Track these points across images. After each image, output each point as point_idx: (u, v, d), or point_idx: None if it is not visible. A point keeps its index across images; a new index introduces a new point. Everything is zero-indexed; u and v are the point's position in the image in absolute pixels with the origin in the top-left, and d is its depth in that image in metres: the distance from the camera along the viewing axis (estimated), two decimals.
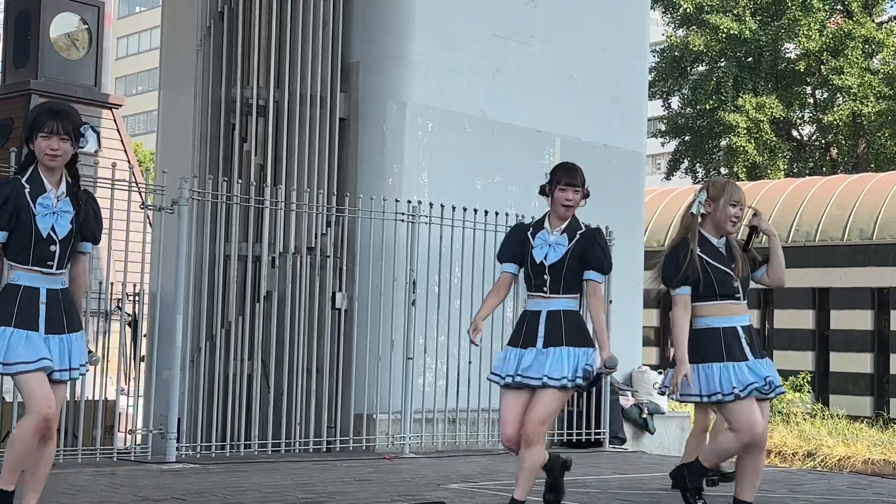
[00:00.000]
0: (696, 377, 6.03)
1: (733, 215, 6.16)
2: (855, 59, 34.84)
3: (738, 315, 6.12)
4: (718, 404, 6.10)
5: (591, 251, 6.08)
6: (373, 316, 10.49)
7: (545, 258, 6.05)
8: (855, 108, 34.67)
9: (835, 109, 35.62)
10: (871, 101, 34.63)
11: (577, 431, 11.61)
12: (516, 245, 6.22)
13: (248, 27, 10.95)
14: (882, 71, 35.60)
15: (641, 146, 13.50)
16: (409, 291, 10.56)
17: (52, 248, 5.07)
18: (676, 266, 6.12)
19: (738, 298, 6.14)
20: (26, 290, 5.07)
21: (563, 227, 6.11)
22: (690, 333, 6.08)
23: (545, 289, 6.06)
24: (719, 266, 6.10)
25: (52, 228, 5.07)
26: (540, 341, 5.98)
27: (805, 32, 35.19)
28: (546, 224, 6.15)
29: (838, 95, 36.02)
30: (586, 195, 6.20)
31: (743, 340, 6.07)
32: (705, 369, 6.04)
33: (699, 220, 6.20)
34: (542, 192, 6.18)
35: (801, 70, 35.87)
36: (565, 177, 6.12)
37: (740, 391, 5.95)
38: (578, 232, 6.12)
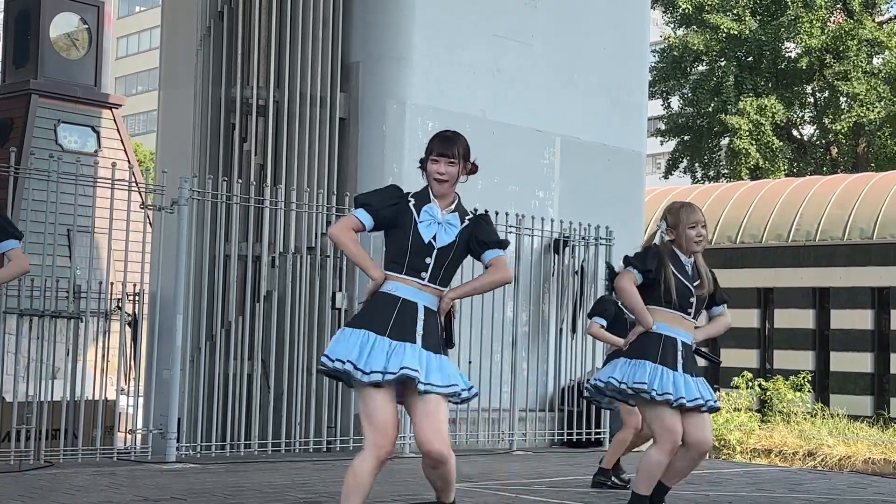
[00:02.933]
0: (626, 369, 6.06)
1: (696, 236, 6.17)
2: (859, 63, 34.81)
3: (684, 330, 6.11)
4: (645, 408, 6.12)
5: (482, 231, 5.19)
6: None
7: (434, 238, 5.07)
8: (861, 115, 34.65)
9: (842, 118, 35.55)
10: (878, 106, 34.62)
11: (577, 431, 11.61)
12: (391, 204, 5.14)
13: (248, 27, 10.96)
14: (884, 72, 35.59)
15: (641, 146, 13.50)
16: None
17: None
18: (643, 256, 6.15)
19: (690, 315, 6.14)
20: None
21: (452, 206, 5.21)
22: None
23: (423, 274, 5.03)
24: (682, 279, 6.14)
25: None
26: (419, 339, 4.94)
27: (806, 29, 35.19)
28: (432, 199, 5.19)
29: (842, 100, 35.98)
30: (471, 171, 5.29)
31: (679, 354, 6.05)
32: (636, 364, 6.05)
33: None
34: (421, 165, 5.29)
35: (803, 67, 35.82)
36: (438, 146, 5.23)
37: (658, 395, 5.94)
38: (467, 217, 5.23)
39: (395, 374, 4.84)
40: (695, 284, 6.13)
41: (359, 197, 5.18)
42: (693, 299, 6.11)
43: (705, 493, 8.15)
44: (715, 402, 6.10)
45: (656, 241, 6.25)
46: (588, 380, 6.41)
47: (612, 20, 13.08)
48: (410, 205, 5.13)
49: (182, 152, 10.94)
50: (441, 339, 5.03)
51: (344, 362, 4.88)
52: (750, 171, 36.50)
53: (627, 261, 6.21)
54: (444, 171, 5.17)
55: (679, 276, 6.12)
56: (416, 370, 4.85)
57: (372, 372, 4.86)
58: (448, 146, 5.23)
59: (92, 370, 10.77)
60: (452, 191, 5.22)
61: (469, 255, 5.19)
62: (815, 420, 22.32)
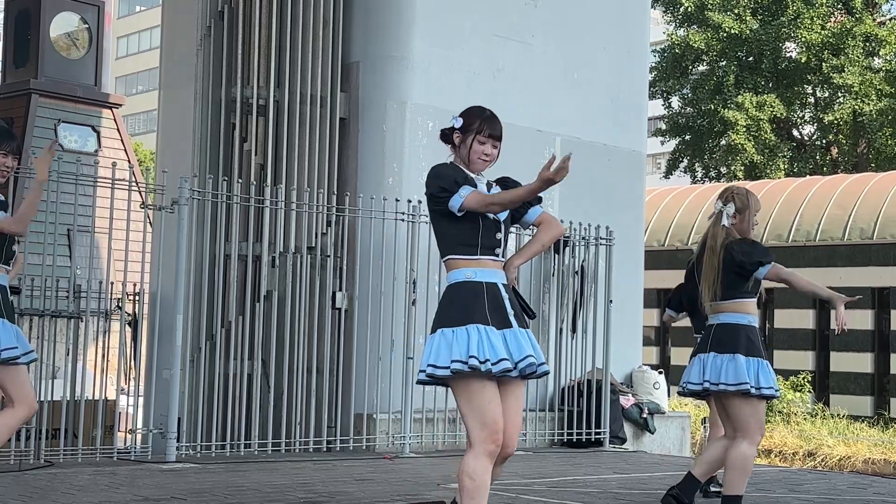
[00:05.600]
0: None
1: (755, 223, 6.38)
2: (856, 58, 34.85)
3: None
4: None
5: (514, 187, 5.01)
6: (373, 316, 10.49)
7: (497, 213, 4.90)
8: (856, 107, 34.67)
9: (835, 108, 35.62)
10: (873, 100, 34.63)
11: (577, 431, 11.61)
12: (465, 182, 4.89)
13: (248, 27, 10.95)
14: (884, 69, 35.62)
15: (641, 146, 13.50)
16: (409, 291, 10.56)
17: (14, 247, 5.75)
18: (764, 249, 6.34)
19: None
20: None
21: (484, 180, 5.03)
22: (733, 327, 6.26)
23: (497, 251, 4.91)
24: None
25: None
26: (513, 320, 4.84)
27: (807, 25, 35.22)
28: (473, 175, 4.98)
29: (839, 94, 36.02)
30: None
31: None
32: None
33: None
34: (446, 138, 5.06)
35: (804, 63, 35.83)
36: (488, 126, 4.99)
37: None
38: (493, 183, 5.06)
39: (519, 361, 4.73)
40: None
41: (444, 183, 4.86)
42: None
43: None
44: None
45: (722, 222, 6.25)
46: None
47: (612, 20, 13.08)
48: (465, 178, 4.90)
49: (182, 152, 10.94)
50: (521, 312, 4.93)
51: (465, 362, 4.68)
52: (746, 168, 36.49)
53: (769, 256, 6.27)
54: (490, 154, 4.99)
55: None
56: (533, 356, 4.77)
57: (500, 360, 4.70)
58: (497, 128, 5.02)
59: (92, 370, 10.76)
60: None
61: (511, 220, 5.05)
62: (815, 420, 22.34)
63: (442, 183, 4.88)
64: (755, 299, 6.32)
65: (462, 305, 4.80)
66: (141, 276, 9.42)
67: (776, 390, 6.27)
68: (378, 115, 11.34)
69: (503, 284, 4.91)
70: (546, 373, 4.92)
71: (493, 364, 4.68)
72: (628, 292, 12.65)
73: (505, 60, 12.06)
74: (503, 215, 4.93)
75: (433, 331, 4.89)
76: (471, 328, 4.75)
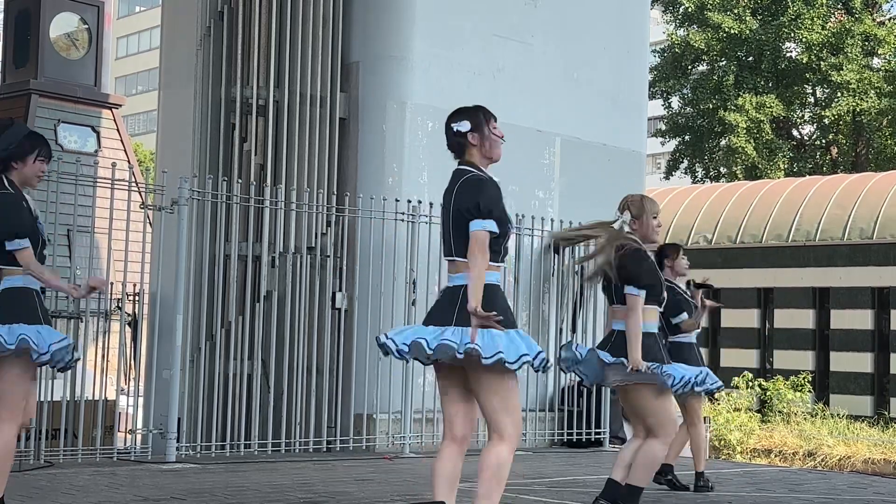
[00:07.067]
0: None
1: (657, 225, 6.50)
2: (854, 56, 34.87)
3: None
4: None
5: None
6: (373, 316, 10.48)
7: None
8: (853, 105, 34.67)
9: (833, 105, 35.62)
10: (871, 98, 34.63)
11: (577, 431, 11.61)
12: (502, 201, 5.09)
13: (248, 27, 10.95)
14: (883, 68, 35.62)
15: (641, 146, 13.49)
16: (409, 291, 10.56)
17: (46, 250, 5.64)
18: (653, 273, 6.54)
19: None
20: None
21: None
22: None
23: (502, 256, 5.10)
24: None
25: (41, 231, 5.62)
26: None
27: (807, 25, 35.23)
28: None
29: (837, 93, 36.03)
30: None
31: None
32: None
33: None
34: (458, 146, 5.13)
35: (804, 62, 35.83)
36: (489, 112, 5.20)
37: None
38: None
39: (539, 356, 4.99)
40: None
41: (484, 208, 4.94)
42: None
43: (705, 493, 8.15)
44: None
45: (616, 226, 6.44)
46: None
47: (612, 20, 13.07)
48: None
49: (182, 152, 10.94)
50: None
51: (526, 355, 4.94)
52: (746, 169, 36.50)
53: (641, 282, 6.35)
54: (501, 132, 5.18)
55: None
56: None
57: (538, 355, 4.95)
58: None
59: (92, 370, 10.76)
60: None
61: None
62: (815, 420, 22.32)
63: (493, 200, 4.99)
64: (655, 307, 6.40)
65: (501, 310, 4.96)
66: (141, 276, 9.43)
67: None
68: (378, 115, 11.34)
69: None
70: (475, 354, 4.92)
71: (536, 360, 4.97)
72: None
73: (505, 60, 12.05)
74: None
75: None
76: (516, 332, 5.00)
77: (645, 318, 6.33)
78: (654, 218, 6.41)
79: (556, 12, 12.51)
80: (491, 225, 4.93)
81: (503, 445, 4.96)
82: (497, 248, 5.01)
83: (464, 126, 5.10)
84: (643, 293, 6.26)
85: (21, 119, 17.22)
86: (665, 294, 6.52)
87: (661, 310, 6.52)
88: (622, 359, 6.24)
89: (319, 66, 11.16)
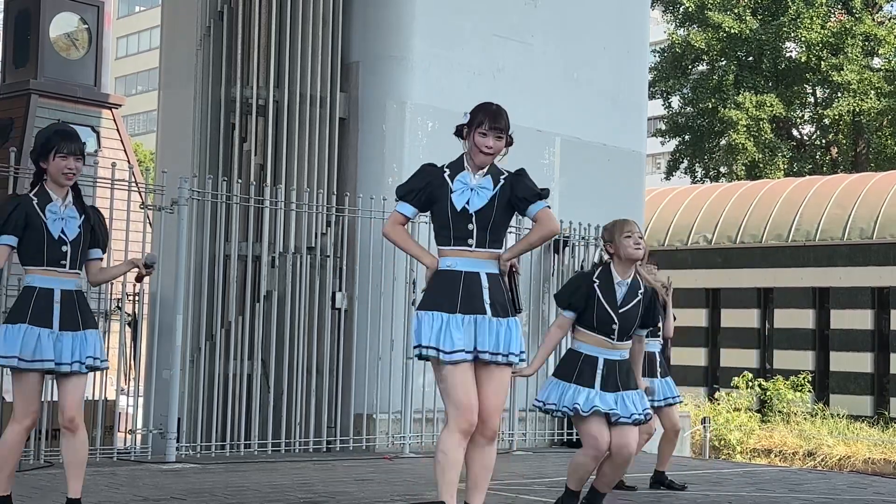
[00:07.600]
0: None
1: (633, 244, 6.34)
2: (855, 56, 34.88)
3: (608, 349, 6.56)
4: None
5: (520, 187, 5.33)
6: (373, 316, 10.49)
7: (467, 203, 5.21)
8: (854, 105, 34.68)
9: (833, 106, 35.64)
10: (871, 98, 34.65)
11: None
12: (426, 184, 5.32)
13: (248, 27, 10.95)
14: (883, 68, 35.63)
15: (641, 146, 13.49)
16: (409, 291, 10.55)
17: (64, 248, 5.53)
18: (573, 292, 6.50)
19: (613, 339, 6.51)
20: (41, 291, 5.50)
21: (484, 171, 5.33)
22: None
23: (470, 241, 5.19)
24: (607, 308, 6.41)
25: (62, 231, 5.54)
26: (488, 309, 5.15)
27: (807, 25, 35.24)
28: (466, 166, 5.33)
29: (837, 93, 36.04)
30: (510, 143, 5.50)
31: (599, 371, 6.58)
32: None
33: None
34: (459, 133, 5.39)
35: (804, 62, 35.82)
36: (490, 120, 5.34)
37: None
38: (502, 176, 5.36)
39: (470, 352, 5.07)
40: (620, 312, 6.24)
41: (398, 189, 5.38)
42: (615, 326, 6.26)
43: (705, 493, 8.16)
44: (638, 415, 6.57)
45: (596, 259, 6.54)
46: None
47: (612, 20, 13.07)
48: (446, 176, 5.30)
49: (182, 152, 10.94)
50: (508, 302, 5.22)
51: (428, 347, 5.10)
52: (746, 167, 36.51)
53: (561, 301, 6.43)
54: (493, 146, 5.34)
55: (605, 304, 6.24)
56: (487, 350, 5.11)
57: (454, 352, 5.05)
58: (499, 120, 5.39)
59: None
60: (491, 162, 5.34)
61: (517, 214, 5.36)
62: (815, 420, 22.34)
63: (407, 183, 5.41)
64: (593, 334, 6.33)
65: (437, 292, 5.21)
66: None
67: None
68: (378, 115, 11.33)
69: (488, 273, 5.21)
70: (509, 364, 5.20)
71: (446, 353, 5.06)
72: None
73: (505, 60, 12.05)
74: (475, 206, 5.21)
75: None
76: (437, 315, 5.14)
77: (579, 337, 6.34)
78: (629, 237, 6.31)
79: (556, 12, 12.51)
80: (401, 206, 5.32)
81: (442, 430, 5.18)
82: (443, 231, 5.24)
83: (466, 117, 5.44)
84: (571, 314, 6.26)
85: (21, 119, 17.23)
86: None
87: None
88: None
89: (319, 66, 11.16)
